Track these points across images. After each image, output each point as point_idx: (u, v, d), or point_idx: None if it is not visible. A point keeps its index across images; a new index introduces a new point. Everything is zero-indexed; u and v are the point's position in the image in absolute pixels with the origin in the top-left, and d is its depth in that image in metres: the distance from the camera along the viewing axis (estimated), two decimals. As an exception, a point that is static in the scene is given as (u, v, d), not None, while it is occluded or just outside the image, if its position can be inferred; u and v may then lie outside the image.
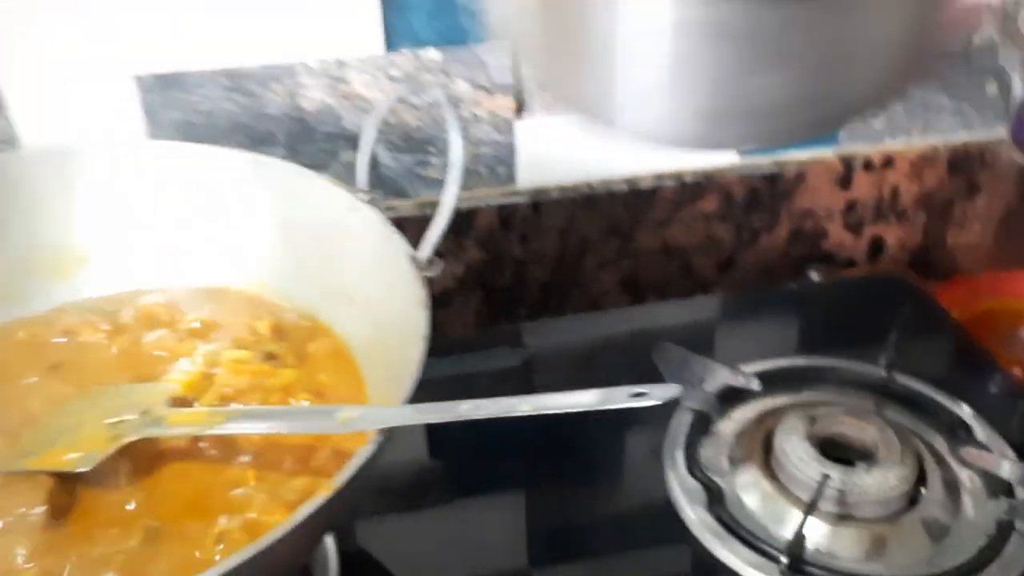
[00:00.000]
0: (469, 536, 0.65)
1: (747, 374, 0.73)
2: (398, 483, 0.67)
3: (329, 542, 0.62)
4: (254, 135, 0.79)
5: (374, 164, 0.84)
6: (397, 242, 0.58)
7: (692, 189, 0.90)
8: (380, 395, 0.55)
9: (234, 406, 0.53)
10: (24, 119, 0.75)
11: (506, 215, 0.88)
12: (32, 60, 0.73)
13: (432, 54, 0.80)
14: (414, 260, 0.55)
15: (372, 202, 0.61)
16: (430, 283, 0.54)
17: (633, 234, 0.91)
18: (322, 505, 0.42)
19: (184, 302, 0.63)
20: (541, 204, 0.88)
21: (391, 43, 0.79)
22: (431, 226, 0.56)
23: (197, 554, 0.47)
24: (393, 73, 0.80)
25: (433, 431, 0.71)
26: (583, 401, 0.42)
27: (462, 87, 0.82)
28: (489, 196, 0.88)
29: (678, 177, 0.90)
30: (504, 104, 0.83)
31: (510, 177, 0.88)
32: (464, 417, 0.43)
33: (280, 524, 0.41)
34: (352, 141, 0.82)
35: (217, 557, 0.46)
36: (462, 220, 0.86)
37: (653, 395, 0.40)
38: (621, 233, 0.91)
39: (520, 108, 0.84)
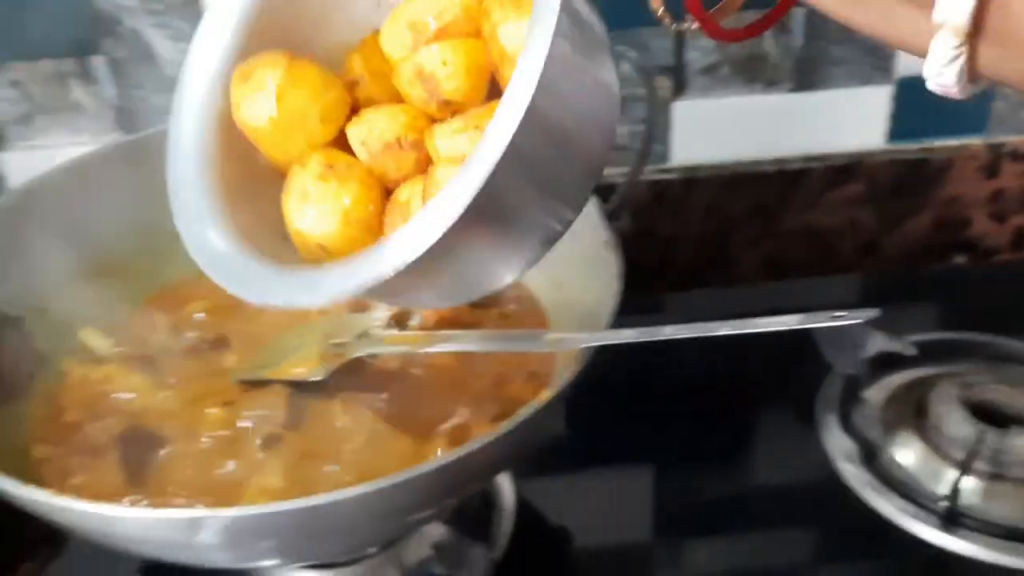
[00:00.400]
0: (636, 498, 0.69)
1: (904, 341, 0.76)
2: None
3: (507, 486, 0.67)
4: None
5: None
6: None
7: (839, 172, 0.93)
8: (563, 330, 0.61)
9: (443, 331, 0.59)
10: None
11: (658, 191, 0.92)
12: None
13: (599, 35, 0.85)
14: (603, 210, 0.60)
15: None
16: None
17: (778, 215, 0.95)
18: (538, 410, 0.47)
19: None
20: (692, 181, 0.92)
21: (562, 24, 0.84)
22: (623, 181, 0.61)
23: (412, 453, 0.53)
24: (562, 52, 0.86)
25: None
26: (784, 322, 0.46)
27: (623, 67, 0.87)
28: (645, 171, 0.92)
29: (825, 160, 0.93)
30: (662, 84, 0.88)
31: (663, 155, 0.92)
32: (667, 337, 0.48)
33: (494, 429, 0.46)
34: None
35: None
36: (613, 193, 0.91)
37: (853, 316, 0.44)
38: (766, 213, 0.94)
39: (679, 89, 0.89)
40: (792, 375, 0.78)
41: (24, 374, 0.59)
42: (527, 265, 0.44)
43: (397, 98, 0.46)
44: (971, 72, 0.35)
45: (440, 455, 0.43)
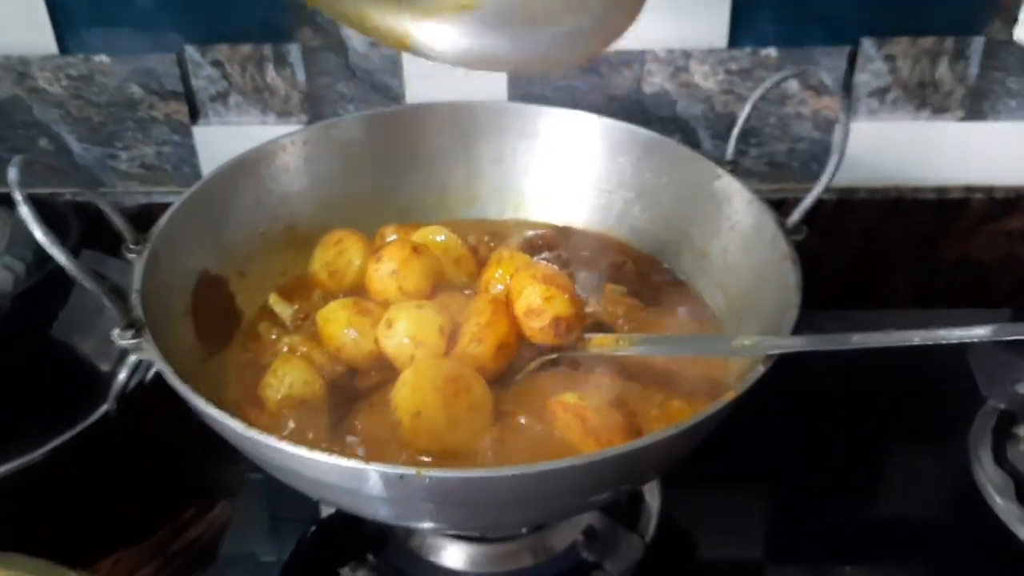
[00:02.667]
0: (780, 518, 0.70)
1: (1068, 377, 0.75)
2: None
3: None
4: (596, 112, 0.89)
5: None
6: (761, 207, 0.64)
7: (1001, 205, 0.92)
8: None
9: (639, 335, 0.62)
10: (413, 83, 0.88)
11: (811, 208, 0.93)
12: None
13: (770, 52, 0.86)
14: (782, 224, 0.62)
15: (734, 172, 0.68)
16: (796, 246, 0.61)
17: (934, 243, 0.94)
18: (720, 409, 0.49)
19: (559, 238, 0.73)
20: (848, 203, 0.92)
21: (735, 40, 0.86)
22: (807, 194, 0.63)
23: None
24: (731, 67, 0.87)
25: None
26: (977, 333, 0.46)
27: (792, 85, 0.88)
28: (798, 190, 0.93)
29: (988, 191, 0.92)
30: (829, 104, 0.89)
31: (821, 174, 0.92)
32: (856, 347, 0.49)
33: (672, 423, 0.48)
34: (681, 126, 0.90)
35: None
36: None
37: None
38: (922, 240, 0.94)
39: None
40: (947, 404, 0.78)
41: (230, 328, 0.65)
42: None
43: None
44: None
45: (621, 445, 0.46)
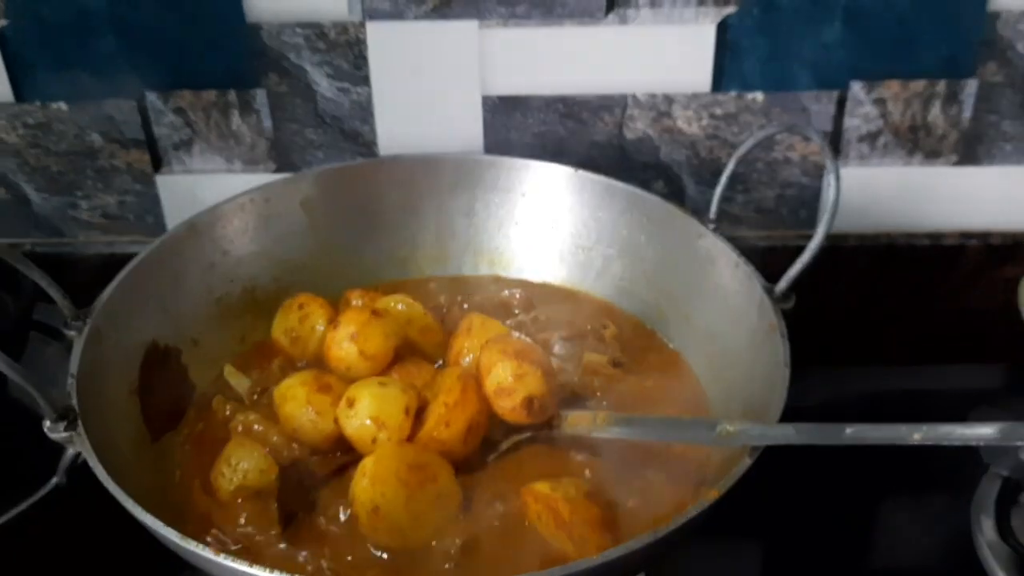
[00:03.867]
0: None
1: (1072, 445, 0.71)
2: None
3: None
4: (577, 160, 0.85)
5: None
6: (747, 272, 0.61)
7: (998, 251, 0.88)
8: (723, 413, 0.58)
9: (620, 415, 0.58)
10: (385, 129, 0.84)
11: (800, 254, 0.89)
12: (399, 76, 0.82)
13: (756, 96, 0.83)
14: (769, 292, 0.58)
15: (717, 231, 0.64)
16: (784, 315, 0.57)
17: (928, 292, 0.90)
18: (701, 511, 0.45)
19: (536, 297, 0.69)
20: (838, 250, 0.89)
21: (719, 84, 0.82)
22: (796, 261, 0.59)
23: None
24: (716, 111, 0.84)
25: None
26: (982, 435, 0.43)
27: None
28: (787, 237, 0.90)
29: (984, 237, 0.88)
30: (817, 151, 0.85)
31: (810, 220, 0.89)
32: (848, 442, 0.45)
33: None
34: (663, 173, 0.86)
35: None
36: (756, 258, 0.88)
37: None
38: (916, 289, 0.90)
39: (835, 155, 0.85)
40: (948, 470, 0.74)
41: (181, 404, 0.61)
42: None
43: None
44: None
45: (605, 552, 0.42)
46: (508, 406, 0.55)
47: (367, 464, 0.52)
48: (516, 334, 0.60)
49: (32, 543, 0.67)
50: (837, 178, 0.58)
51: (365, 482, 0.51)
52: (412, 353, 0.63)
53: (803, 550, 0.69)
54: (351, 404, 0.55)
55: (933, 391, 0.83)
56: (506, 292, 0.70)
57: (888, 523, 0.73)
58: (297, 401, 0.57)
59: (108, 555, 0.68)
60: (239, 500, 0.53)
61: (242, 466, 0.54)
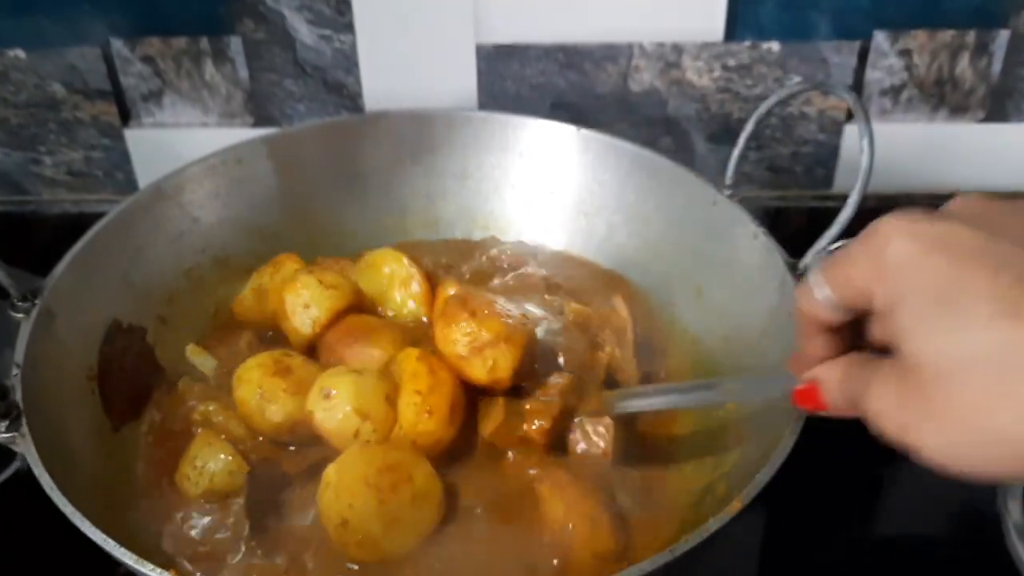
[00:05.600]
0: None
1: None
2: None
3: None
4: (578, 113, 0.79)
5: None
6: (767, 244, 0.55)
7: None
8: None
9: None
10: (371, 80, 0.77)
11: (815, 217, 0.84)
12: (385, 22, 0.76)
13: (772, 46, 0.77)
14: (792, 268, 0.53)
15: (734, 197, 0.58)
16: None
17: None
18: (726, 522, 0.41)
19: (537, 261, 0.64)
20: (856, 212, 0.83)
21: (732, 32, 0.76)
22: (823, 235, 0.54)
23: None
24: (729, 62, 0.78)
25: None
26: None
27: (794, 82, 0.79)
28: (801, 197, 0.84)
29: (1012, 198, 0.83)
30: (836, 104, 0.79)
31: (827, 180, 0.84)
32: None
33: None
34: (671, 128, 0.80)
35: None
36: (770, 218, 0.83)
37: None
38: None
39: (849, 112, 0.80)
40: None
41: (147, 387, 0.55)
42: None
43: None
44: None
45: (632, 567, 0.37)
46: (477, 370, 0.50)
47: (330, 474, 0.46)
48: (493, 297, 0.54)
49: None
50: (871, 142, 0.52)
51: (330, 494, 0.45)
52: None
53: (824, 523, 0.65)
54: (327, 395, 0.50)
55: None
56: (494, 251, 0.65)
57: (911, 504, 0.69)
58: (250, 385, 0.51)
59: (72, 542, 0.64)
60: (204, 504, 0.49)
61: (208, 468, 0.49)
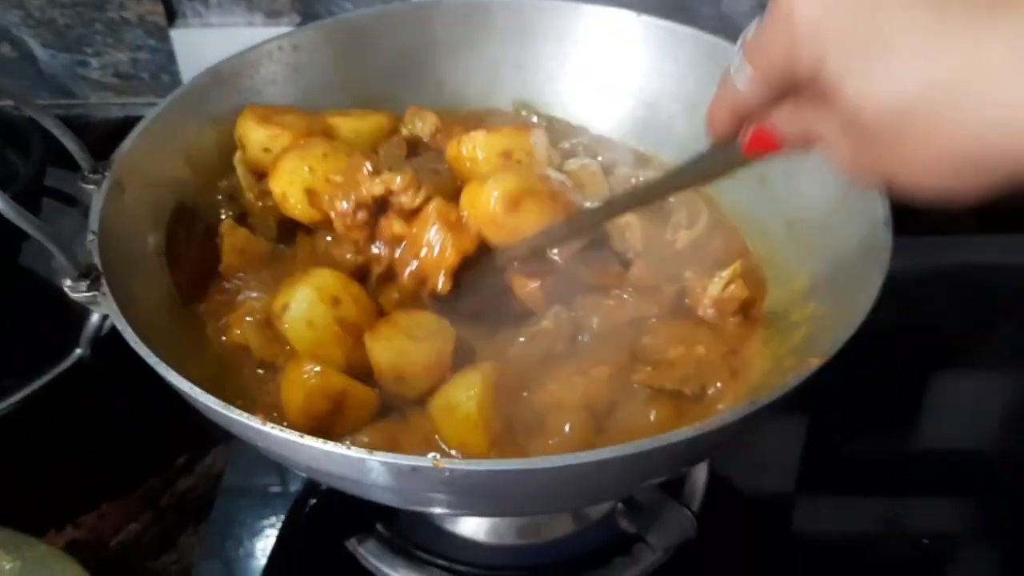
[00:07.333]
0: None
1: None
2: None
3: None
4: (631, 7, 0.77)
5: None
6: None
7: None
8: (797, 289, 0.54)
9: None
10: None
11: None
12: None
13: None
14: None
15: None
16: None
17: None
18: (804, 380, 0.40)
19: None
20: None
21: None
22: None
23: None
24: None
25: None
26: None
27: None
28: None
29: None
30: None
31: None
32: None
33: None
34: (726, 24, 0.79)
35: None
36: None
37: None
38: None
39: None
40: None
41: (214, 266, 0.56)
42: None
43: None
44: None
45: (696, 425, 0.37)
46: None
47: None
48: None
49: (55, 418, 0.64)
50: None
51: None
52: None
53: (866, 427, 0.66)
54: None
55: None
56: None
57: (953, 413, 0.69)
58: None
59: (134, 430, 0.66)
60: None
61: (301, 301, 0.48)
